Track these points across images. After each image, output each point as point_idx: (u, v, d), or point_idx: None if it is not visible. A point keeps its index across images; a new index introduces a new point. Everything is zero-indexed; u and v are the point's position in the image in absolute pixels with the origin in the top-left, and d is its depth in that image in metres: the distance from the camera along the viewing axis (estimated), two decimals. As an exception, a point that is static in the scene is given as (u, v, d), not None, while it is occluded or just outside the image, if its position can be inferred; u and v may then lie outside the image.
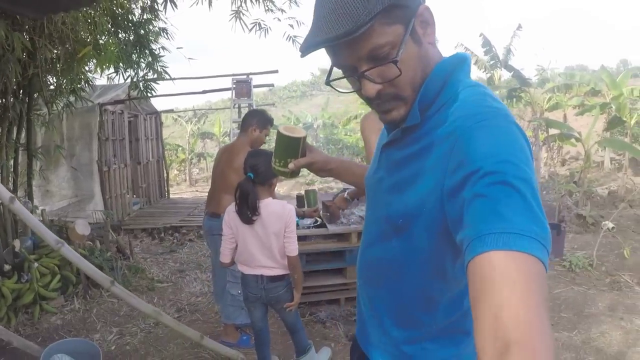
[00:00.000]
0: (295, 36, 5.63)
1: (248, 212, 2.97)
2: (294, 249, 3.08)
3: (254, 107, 10.04)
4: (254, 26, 5.44)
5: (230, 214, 3.10)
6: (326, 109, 21.48)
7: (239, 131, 4.32)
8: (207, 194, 4.37)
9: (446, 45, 39.37)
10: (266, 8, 5.36)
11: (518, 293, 0.71)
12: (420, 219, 1.07)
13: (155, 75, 6.05)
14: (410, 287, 1.19)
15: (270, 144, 7.06)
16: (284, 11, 5.47)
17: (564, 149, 16.59)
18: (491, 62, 15.47)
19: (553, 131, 11.24)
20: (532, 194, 0.84)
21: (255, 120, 4.06)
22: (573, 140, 9.74)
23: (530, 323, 0.68)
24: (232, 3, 5.20)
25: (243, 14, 5.27)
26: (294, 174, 1.63)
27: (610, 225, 7.04)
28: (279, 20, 5.48)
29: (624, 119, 11.12)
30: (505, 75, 15.52)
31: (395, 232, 1.17)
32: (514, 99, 13.21)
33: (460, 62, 1.13)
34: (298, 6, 5.56)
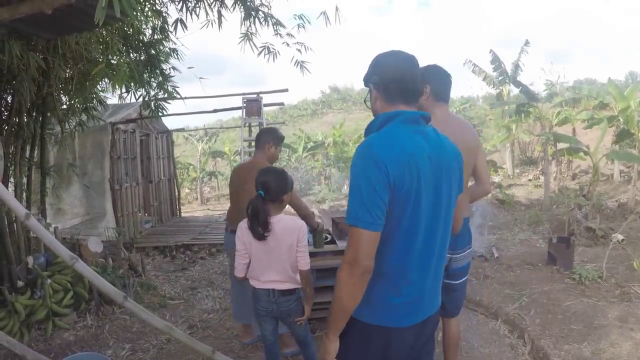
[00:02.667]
0: (303, 61, 5.70)
1: (259, 228, 3.02)
2: (306, 262, 3.13)
3: (264, 126, 10.14)
4: (262, 49, 5.49)
5: (243, 230, 3.14)
6: (338, 127, 21.45)
7: (253, 149, 4.43)
8: (219, 212, 4.42)
9: (456, 61, 40.00)
10: (275, 31, 5.40)
11: (354, 244, 1.75)
12: None
13: (166, 95, 6.12)
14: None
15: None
16: (292, 36, 5.52)
17: (574, 163, 16.50)
18: (500, 78, 15.54)
19: (561, 145, 11.26)
20: (360, 191, 1.75)
21: (271, 137, 4.30)
22: (582, 153, 9.74)
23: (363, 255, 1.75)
24: (241, 25, 5.26)
25: (253, 35, 5.33)
26: None
27: (620, 237, 7.00)
28: (288, 45, 5.52)
29: (632, 131, 11.11)
30: (515, 90, 15.55)
31: None
32: (522, 114, 13.22)
33: (396, 114, 1.91)
34: (306, 31, 5.59)
